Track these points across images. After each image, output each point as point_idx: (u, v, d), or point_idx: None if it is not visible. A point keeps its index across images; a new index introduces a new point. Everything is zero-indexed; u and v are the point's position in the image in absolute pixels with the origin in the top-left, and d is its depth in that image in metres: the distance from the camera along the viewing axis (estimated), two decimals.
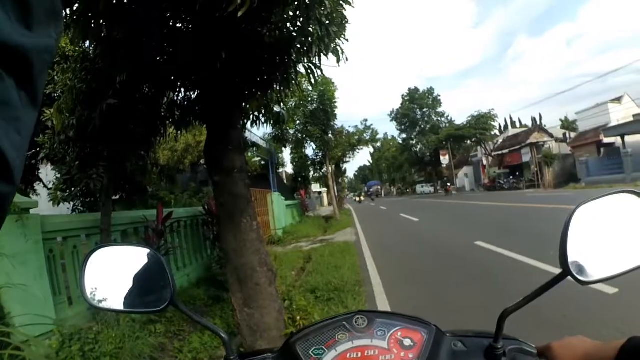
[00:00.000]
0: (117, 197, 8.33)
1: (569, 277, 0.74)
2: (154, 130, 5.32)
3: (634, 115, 30.36)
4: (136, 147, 5.59)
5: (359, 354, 0.79)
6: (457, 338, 0.88)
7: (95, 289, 0.93)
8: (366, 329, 0.86)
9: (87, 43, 4.36)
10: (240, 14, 2.51)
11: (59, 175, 7.22)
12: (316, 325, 0.90)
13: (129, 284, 0.91)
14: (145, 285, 0.90)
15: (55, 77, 6.09)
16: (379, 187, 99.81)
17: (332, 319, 0.90)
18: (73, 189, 6.91)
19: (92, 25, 3.59)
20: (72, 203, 7.55)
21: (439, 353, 0.82)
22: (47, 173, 8.98)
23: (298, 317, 4.46)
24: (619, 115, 32.67)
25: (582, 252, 0.73)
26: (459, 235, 11.40)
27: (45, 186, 8.98)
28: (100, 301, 0.93)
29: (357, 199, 61.60)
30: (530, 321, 3.74)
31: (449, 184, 51.27)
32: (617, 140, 29.01)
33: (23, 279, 3.60)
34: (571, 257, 0.72)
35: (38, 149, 6.98)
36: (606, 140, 31.33)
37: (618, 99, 35.70)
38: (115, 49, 3.84)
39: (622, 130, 27.86)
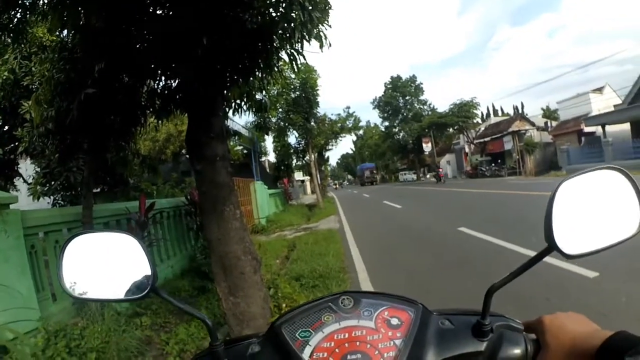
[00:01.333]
0: (99, 189, 8.25)
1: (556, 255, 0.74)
2: (134, 120, 5.24)
3: (614, 106, 30.78)
4: (116, 138, 5.51)
5: (346, 335, 0.78)
6: (444, 316, 0.88)
7: (75, 278, 0.90)
8: (352, 310, 0.85)
9: (66, 32, 4.29)
10: None
11: (38, 169, 7.13)
12: (301, 307, 0.89)
13: (109, 272, 0.88)
14: (126, 273, 0.88)
15: (33, 68, 5.99)
16: (374, 171, 79.34)
17: (318, 300, 0.89)
18: (53, 182, 6.84)
19: (71, 13, 3.51)
20: (52, 197, 7.46)
21: (426, 331, 0.82)
22: (27, 167, 8.84)
23: (284, 305, 4.49)
24: (600, 105, 33.10)
25: (567, 227, 0.73)
26: (442, 221, 11.54)
27: (25, 181, 8.83)
28: (80, 292, 0.90)
29: (335, 186, 63.05)
30: (513, 305, 3.81)
31: (440, 169, 45.59)
32: (598, 129, 29.50)
33: (5, 276, 3.56)
34: (556, 231, 0.72)
35: (17, 143, 6.88)
36: (587, 129, 31.81)
37: (599, 89, 36.17)
38: (94, 37, 3.77)
39: (603, 119, 28.35)
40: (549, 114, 56.55)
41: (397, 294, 0.91)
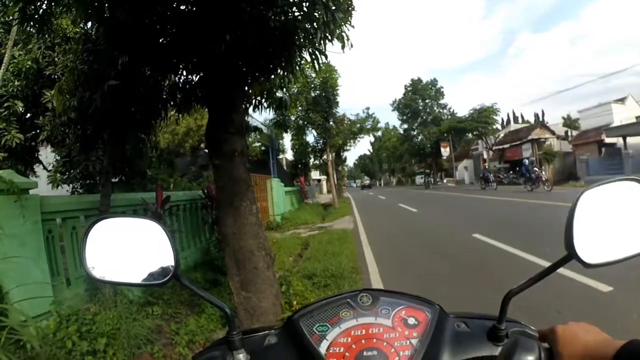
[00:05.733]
0: (117, 179, 8.33)
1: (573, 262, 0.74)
2: (155, 112, 5.29)
3: (636, 117, 30.21)
4: (136, 130, 5.56)
5: (363, 331, 0.79)
6: (461, 319, 0.88)
7: (97, 261, 0.91)
8: (370, 307, 0.86)
9: (90, 24, 4.34)
10: None
11: (58, 158, 7.23)
12: (320, 302, 0.90)
13: (131, 257, 0.90)
14: (148, 259, 0.89)
15: (56, 59, 6.07)
16: None
17: (337, 296, 0.90)
18: (72, 171, 6.92)
19: (95, 5, 3.56)
20: (70, 185, 7.54)
21: (442, 333, 0.83)
22: (47, 155, 8.94)
23: (295, 302, 4.49)
24: (621, 115, 32.37)
25: (587, 236, 0.74)
26: (457, 227, 11.43)
27: (45, 168, 8.94)
28: (101, 274, 0.91)
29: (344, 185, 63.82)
30: (524, 316, 3.77)
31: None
32: (619, 140, 28.92)
33: (21, 259, 3.60)
34: (576, 240, 0.73)
35: (38, 131, 6.98)
36: (608, 140, 31.12)
37: (621, 100, 35.43)
38: (117, 30, 3.81)
39: (625, 130, 27.76)
40: (569, 123, 55.56)
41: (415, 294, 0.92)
